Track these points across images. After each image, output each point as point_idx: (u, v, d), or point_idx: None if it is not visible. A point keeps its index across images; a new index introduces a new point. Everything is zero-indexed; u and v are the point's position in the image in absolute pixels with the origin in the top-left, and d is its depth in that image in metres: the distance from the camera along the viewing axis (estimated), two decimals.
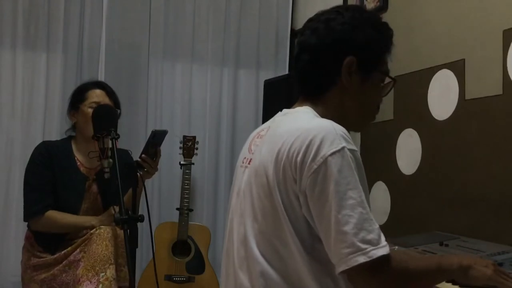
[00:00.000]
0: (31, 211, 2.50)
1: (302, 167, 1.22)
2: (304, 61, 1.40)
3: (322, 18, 1.40)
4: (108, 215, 2.50)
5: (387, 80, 1.45)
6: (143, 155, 2.40)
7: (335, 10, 1.41)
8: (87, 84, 2.71)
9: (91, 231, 2.41)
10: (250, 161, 1.40)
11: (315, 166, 1.21)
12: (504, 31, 2.20)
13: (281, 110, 1.47)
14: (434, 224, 2.46)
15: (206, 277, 3.49)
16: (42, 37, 3.49)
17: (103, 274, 2.29)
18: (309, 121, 1.31)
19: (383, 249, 1.18)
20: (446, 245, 1.91)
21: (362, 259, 1.16)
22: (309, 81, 1.41)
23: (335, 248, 1.19)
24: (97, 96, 2.59)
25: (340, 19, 1.37)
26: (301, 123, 1.31)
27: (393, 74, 1.46)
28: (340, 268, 1.18)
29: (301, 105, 1.43)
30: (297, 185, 1.24)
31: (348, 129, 1.30)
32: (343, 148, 1.21)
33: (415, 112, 2.67)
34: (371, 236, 1.18)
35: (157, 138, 2.41)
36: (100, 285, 2.27)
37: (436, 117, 2.55)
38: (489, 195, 2.24)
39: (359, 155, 1.25)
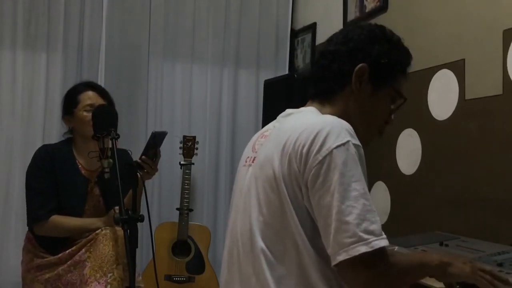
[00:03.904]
0: (36, 216, 2.48)
1: (307, 159, 1.25)
2: (319, 65, 1.45)
3: (343, 31, 1.46)
4: (110, 216, 2.49)
5: (399, 99, 1.48)
6: (143, 157, 2.40)
7: (356, 25, 1.48)
8: (77, 87, 2.65)
9: (97, 232, 2.40)
10: (254, 159, 1.42)
11: (320, 158, 1.23)
12: (504, 31, 2.20)
13: (283, 110, 1.49)
14: (434, 224, 2.46)
15: (206, 277, 3.49)
16: (42, 37, 3.49)
17: (111, 274, 2.29)
18: (316, 117, 1.36)
19: (384, 240, 1.20)
20: (446, 245, 1.91)
21: (364, 249, 1.17)
22: (320, 83, 1.45)
23: (336, 237, 1.20)
24: (89, 98, 2.56)
25: (358, 30, 1.43)
26: (307, 119, 1.35)
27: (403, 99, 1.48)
28: (341, 257, 1.19)
29: (306, 106, 1.46)
30: (301, 176, 1.26)
31: None
32: (348, 141, 1.24)
33: (415, 112, 2.67)
34: (373, 227, 1.19)
35: (157, 139, 2.41)
36: (109, 286, 2.26)
37: (436, 117, 2.55)
38: (489, 195, 2.24)
39: (363, 151, 1.28)
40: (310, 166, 1.24)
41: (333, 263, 1.21)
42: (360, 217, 1.19)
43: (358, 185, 1.21)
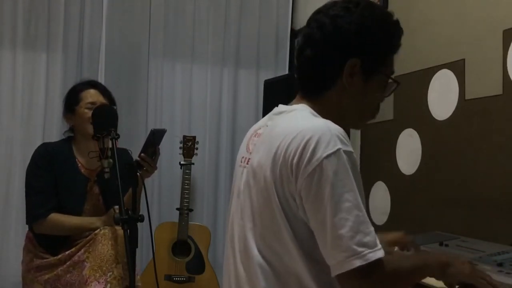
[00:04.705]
0: (35, 215, 2.49)
1: (298, 169, 1.21)
2: (306, 56, 1.37)
3: (331, 13, 1.34)
4: (110, 216, 2.49)
5: (390, 80, 1.42)
6: (142, 154, 2.39)
7: (345, 5, 1.35)
8: (79, 85, 2.67)
9: (95, 232, 2.40)
10: (248, 160, 1.39)
11: (310, 169, 1.19)
12: (504, 31, 2.20)
13: (277, 106, 1.45)
14: (434, 224, 2.46)
15: (206, 277, 3.49)
16: (42, 37, 3.49)
17: (110, 273, 2.29)
18: (306, 121, 1.29)
19: (379, 251, 1.17)
20: (446, 245, 1.91)
21: (358, 262, 1.15)
22: (309, 79, 1.39)
23: (331, 251, 1.18)
24: (91, 96, 2.57)
25: (348, 17, 1.33)
26: (298, 123, 1.29)
27: (393, 74, 1.45)
28: (336, 271, 1.18)
29: (298, 102, 1.41)
30: (293, 187, 1.23)
31: (347, 128, 1.29)
32: (338, 150, 1.19)
33: (415, 112, 2.67)
34: (367, 239, 1.16)
35: (156, 137, 2.41)
36: (108, 285, 2.26)
37: (436, 117, 2.55)
38: (489, 195, 2.24)
39: (355, 156, 1.23)
40: (301, 177, 1.21)
41: (332, 275, 1.20)
42: (354, 229, 1.16)
43: (351, 196, 1.18)
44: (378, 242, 1.18)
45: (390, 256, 1.27)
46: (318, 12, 1.39)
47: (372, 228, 1.19)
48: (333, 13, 1.34)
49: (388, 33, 1.38)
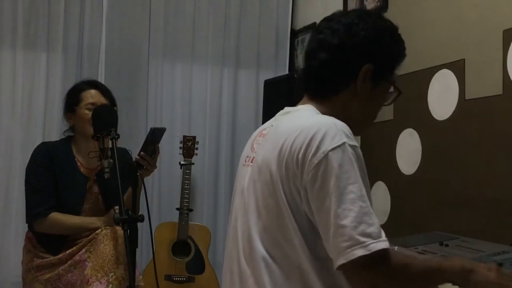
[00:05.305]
0: (34, 213, 2.49)
1: (304, 163, 1.24)
2: (321, 60, 1.39)
3: (344, 21, 1.39)
4: (110, 216, 2.49)
5: (392, 88, 1.47)
6: (141, 153, 2.39)
7: (357, 14, 1.41)
8: (80, 84, 2.68)
9: (96, 232, 2.40)
10: (252, 159, 1.42)
11: (316, 161, 1.22)
12: (504, 31, 2.20)
13: (282, 109, 1.48)
14: (434, 224, 2.46)
15: (206, 277, 3.49)
16: (42, 37, 3.49)
17: (112, 274, 2.29)
18: (311, 118, 1.33)
19: (383, 243, 1.18)
20: (446, 245, 1.91)
21: (361, 252, 1.16)
22: (322, 81, 1.41)
23: (334, 242, 1.19)
24: (92, 96, 2.57)
25: (363, 24, 1.38)
26: (303, 120, 1.33)
27: (395, 83, 1.47)
28: (339, 261, 1.18)
29: (304, 103, 1.44)
30: (298, 181, 1.25)
31: None
32: (344, 143, 1.23)
33: (415, 112, 2.67)
34: (371, 230, 1.18)
35: (155, 135, 2.41)
36: (110, 286, 2.27)
37: (436, 117, 2.55)
38: (489, 195, 2.24)
39: (360, 151, 1.26)
40: (307, 170, 1.23)
41: (335, 267, 1.20)
42: (357, 220, 1.17)
43: (355, 188, 1.20)
44: (382, 234, 1.19)
45: (404, 254, 1.26)
46: (330, 20, 1.43)
47: (376, 220, 1.20)
48: (347, 21, 1.39)
49: (398, 43, 1.43)
